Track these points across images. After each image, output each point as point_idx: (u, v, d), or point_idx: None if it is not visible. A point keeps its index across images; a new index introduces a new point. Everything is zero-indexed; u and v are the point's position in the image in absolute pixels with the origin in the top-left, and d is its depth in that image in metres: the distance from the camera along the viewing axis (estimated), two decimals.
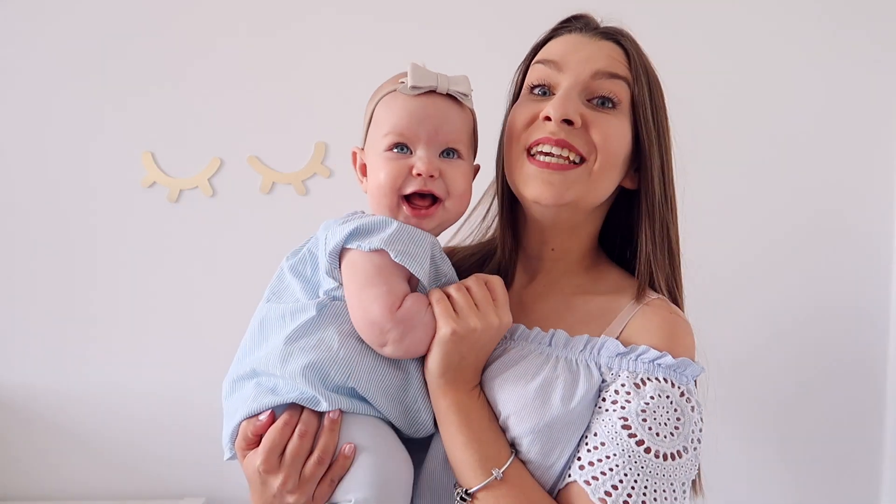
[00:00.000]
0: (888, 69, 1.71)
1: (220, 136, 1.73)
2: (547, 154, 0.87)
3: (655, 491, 0.78)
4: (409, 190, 0.85)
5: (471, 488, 0.80)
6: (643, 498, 0.77)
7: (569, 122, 0.86)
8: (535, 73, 0.92)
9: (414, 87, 0.85)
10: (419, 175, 0.84)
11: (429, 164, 0.84)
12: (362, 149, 0.92)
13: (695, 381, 0.87)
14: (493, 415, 0.84)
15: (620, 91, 0.88)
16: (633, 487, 0.77)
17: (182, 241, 1.75)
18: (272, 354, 0.83)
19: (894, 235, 1.73)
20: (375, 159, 0.87)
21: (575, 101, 0.86)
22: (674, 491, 0.79)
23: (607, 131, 0.87)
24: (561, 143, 0.86)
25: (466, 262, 1.01)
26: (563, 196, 0.86)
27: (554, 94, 0.89)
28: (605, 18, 0.96)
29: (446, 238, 1.03)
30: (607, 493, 0.77)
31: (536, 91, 0.92)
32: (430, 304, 0.83)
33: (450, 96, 0.87)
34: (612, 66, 0.87)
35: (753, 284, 1.74)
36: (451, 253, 1.02)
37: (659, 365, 0.83)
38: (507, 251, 0.97)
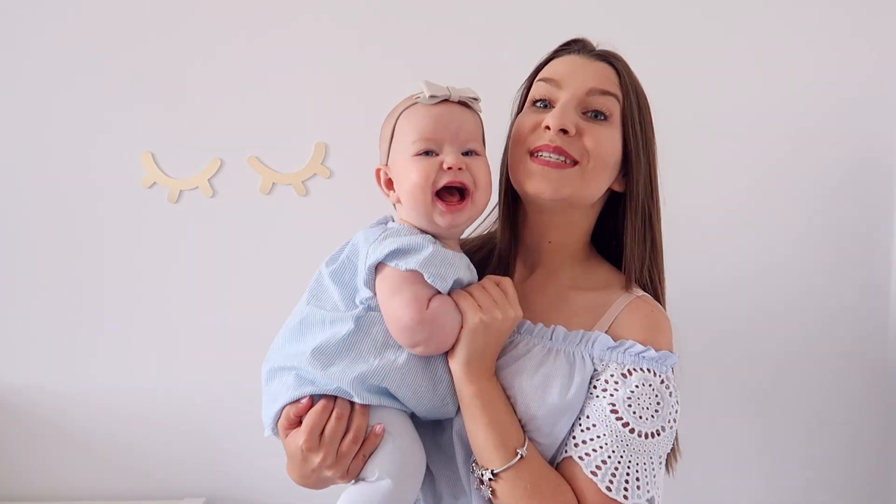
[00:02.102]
0: (889, 67, 1.71)
1: (220, 136, 1.73)
2: (546, 158, 1.01)
3: (638, 464, 0.93)
4: (442, 183, 0.96)
5: (496, 468, 0.93)
6: (628, 470, 0.93)
7: (565, 131, 0.99)
8: (538, 89, 1.06)
9: (432, 97, 0.97)
10: (449, 168, 0.95)
11: (457, 158, 0.96)
12: (386, 165, 1.03)
13: (672, 368, 1.00)
14: (508, 401, 0.97)
15: (612, 106, 1.02)
16: (619, 461, 0.92)
17: (182, 241, 1.75)
18: (312, 358, 0.94)
19: (894, 234, 1.74)
20: (405, 165, 0.98)
21: (571, 113, 1.00)
22: (652, 463, 0.95)
23: (599, 138, 1.00)
24: (558, 150, 0.99)
25: (474, 258, 1.10)
26: (559, 191, 1.00)
27: (554, 108, 1.02)
28: (600, 43, 1.10)
29: None
30: (598, 467, 0.92)
31: (539, 104, 1.05)
32: (453, 303, 0.95)
33: (461, 103, 1.00)
34: (604, 84, 1.02)
35: (753, 281, 1.74)
36: (461, 244, 1.13)
37: (643, 357, 0.97)
38: (507, 245, 1.10)
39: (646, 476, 0.93)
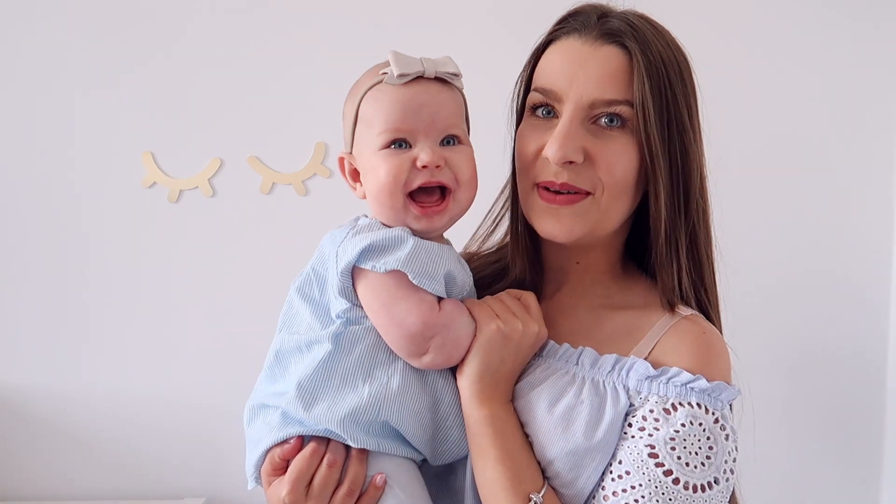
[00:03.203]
0: (889, 68, 1.71)
1: (220, 136, 1.73)
2: (554, 192, 0.84)
3: None
4: (416, 184, 0.79)
5: None
6: None
7: (571, 161, 0.82)
8: (535, 98, 0.87)
9: (401, 76, 0.79)
10: (425, 167, 0.79)
11: (433, 154, 0.79)
12: (350, 153, 0.87)
13: (730, 405, 0.83)
14: (525, 434, 0.81)
15: (624, 110, 0.82)
16: None
17: (182, 241, 1.75)
18: (295, 396, 0.79)
19: (894, 235, 1.74)
20: (371, 160, 0.81)
21: (575, 135, 0.81)
22: None
23: (612, 162, 0.82)
24: (565, 187, 0.83)
25: (487, 269, 0.96)
26: (573, 230, 0.84)
27: (558, 116, 0.84)
28: (610, 1, 0.91)
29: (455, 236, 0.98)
30: None
31: (540, 112, 0.86)
32: (466, 309, 0.81)
33: (438, 80, 0.82)
34: (609, 92, 0.82)
35: (752, 282, 1.74)
36: (469, 259, 0.97)
37: (692, 389, 0.78)
38: (521, 274, 0.92)
39: None
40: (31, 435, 1.77)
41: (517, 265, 0.92)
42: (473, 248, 1.01)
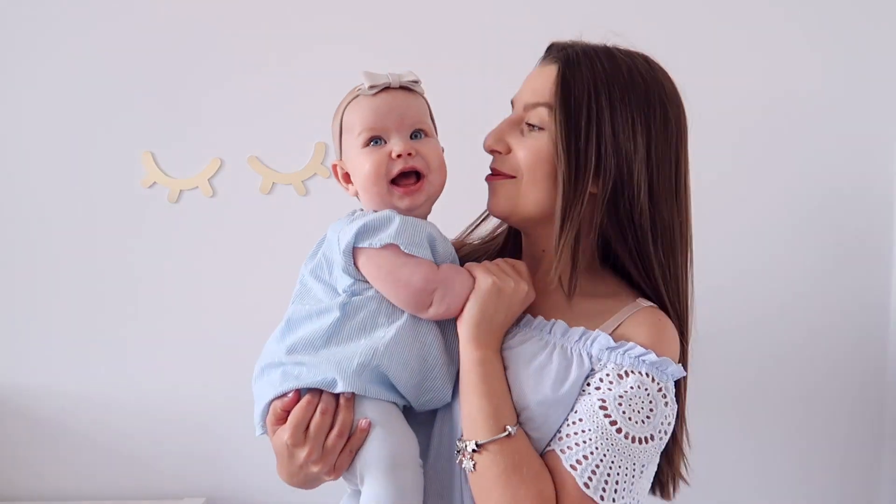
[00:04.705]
0: (889, 67, 1.71)
1: (220, 136, 1.73)
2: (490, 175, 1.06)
3: (620, 466, 0.91)
4: (395, 172, 0.98)
5: (482, 439, 0.92)
6: (609, 470, 0.90)
7: (497, 151, 1.03)
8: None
9: (372, 87, 1.00)
10: (399, 156, 0.97)
11: (405, 145, 0.98)
12: (340, 160, 1.06)
13: (676, 382, 0.98)
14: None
15: (543, 115, 0.99)
16: (601, 459, 0.90)
17: (182, 241, 1.75)
18: (303, 345, 0.96)
19: (894, 235, 1.74)
20: (356, 158, 1.00)
21: (503, 131, 1.03)
22: (635, 470, 0.92)
23: (526, 153, 1.01)
24: (493, 170, 1.05)
25: (472, 257, 1.11)
26: (498, 205, 1.04)
27: None
28: (583, 35, 1.04)
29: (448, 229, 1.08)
30: (578, 462, 0.91)
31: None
32: (464, 269, 0.98)
33: (403, 88, 1.02)
34: (533, 97, 1.01)
35: (752, 281, 1.74)
36: (459, 246, 1.15)
37: (643, 360, 0.94)
38: (510, 252, 1.11)
39: (626, 481, 0.91)
40: (31, 435, 1.77)
41: (507, 245, 1.13)
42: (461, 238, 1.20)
